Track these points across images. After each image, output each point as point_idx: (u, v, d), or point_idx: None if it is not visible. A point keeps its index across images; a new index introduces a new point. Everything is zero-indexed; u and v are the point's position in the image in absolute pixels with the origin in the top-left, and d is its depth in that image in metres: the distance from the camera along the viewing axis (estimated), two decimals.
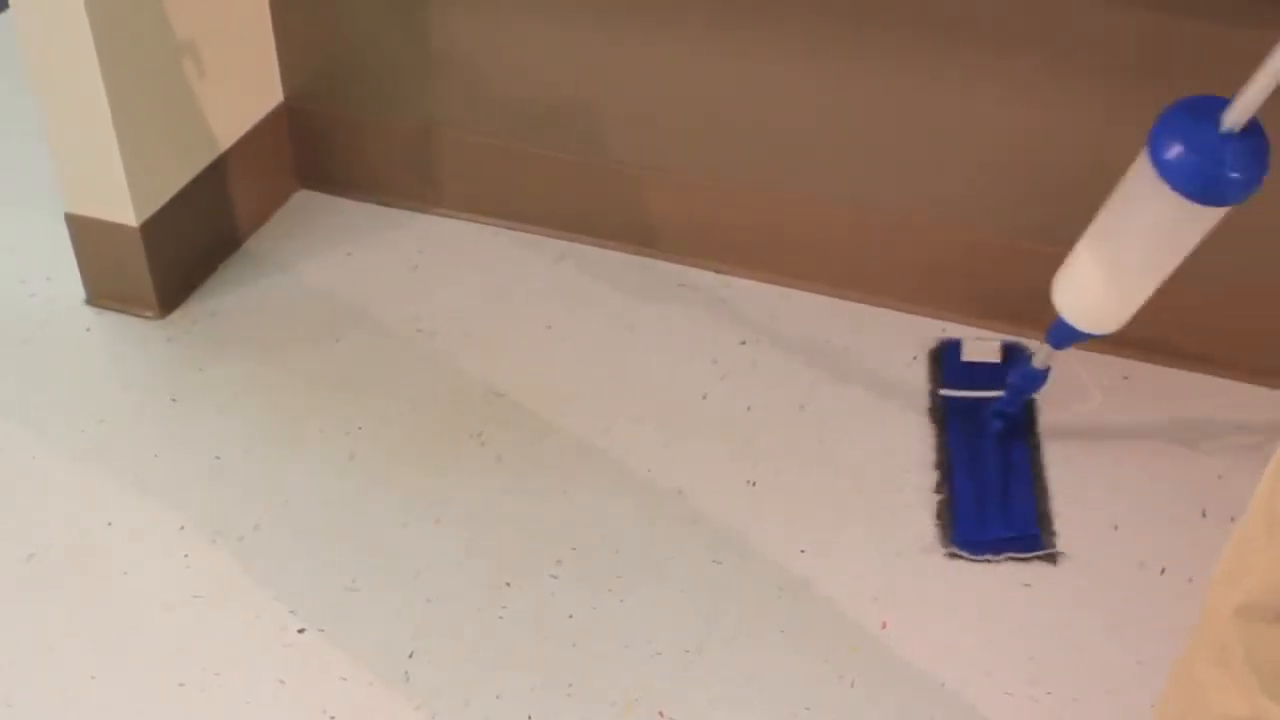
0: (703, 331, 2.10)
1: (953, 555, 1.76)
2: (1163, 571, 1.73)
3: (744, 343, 2.08)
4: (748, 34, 1.98)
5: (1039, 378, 1.85)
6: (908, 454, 1.90)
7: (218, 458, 1.87)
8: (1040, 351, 1.82)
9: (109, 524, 1.78)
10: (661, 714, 1.56)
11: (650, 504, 1.82)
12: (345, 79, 2.27)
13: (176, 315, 2.12)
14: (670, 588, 1.71)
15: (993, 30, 1.86)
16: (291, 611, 1.67)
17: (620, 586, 1.70)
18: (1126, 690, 1.59)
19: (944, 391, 1.99)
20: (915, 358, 2.05)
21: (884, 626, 1.67)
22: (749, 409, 1.97)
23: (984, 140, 1.95)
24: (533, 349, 2.07)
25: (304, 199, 2.38)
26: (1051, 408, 1.95)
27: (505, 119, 2.20)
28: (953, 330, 2.09)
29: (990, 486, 1.84)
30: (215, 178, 2.17)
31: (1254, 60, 1.42)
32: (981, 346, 2.05)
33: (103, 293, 2.13)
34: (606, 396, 1.98)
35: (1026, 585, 1.71)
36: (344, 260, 2.24)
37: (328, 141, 2.34)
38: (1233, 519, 1.27)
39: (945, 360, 2.04)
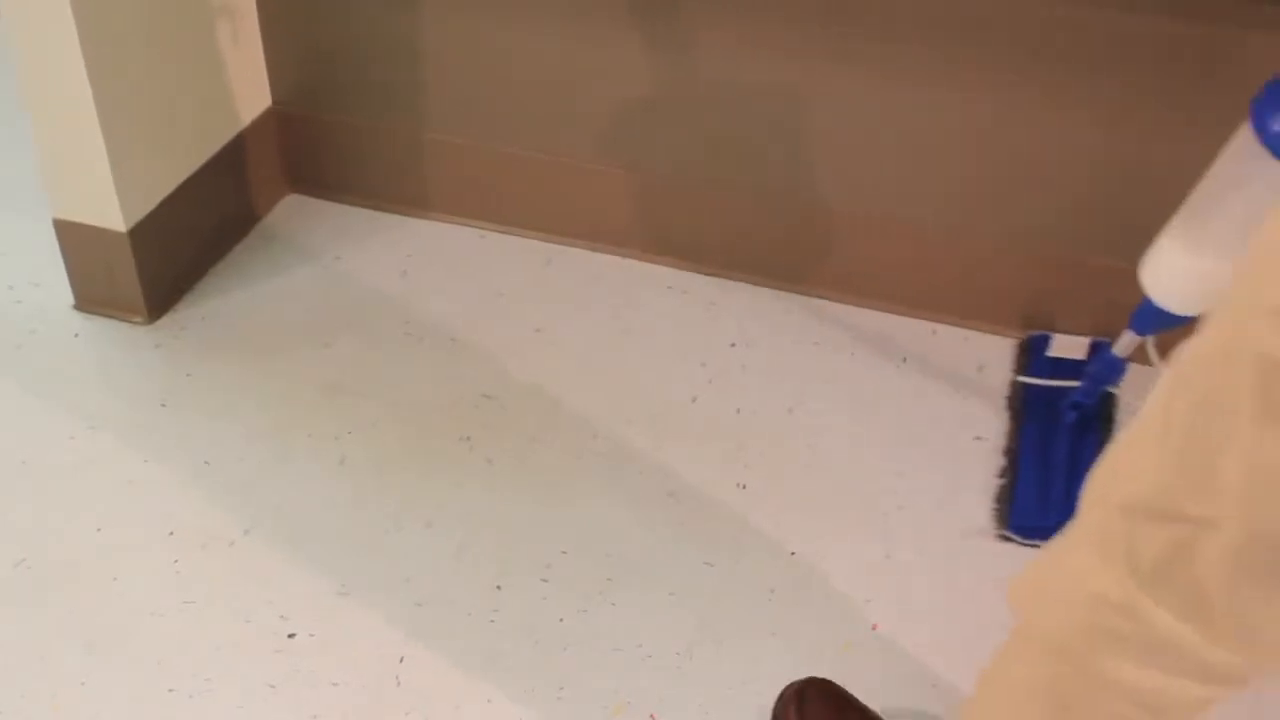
0: (692, 334, 2.10)
1: (1004, 538, 1.78)
2: None
3: (733, 345, 2.08)
4: (726, 35, 1.98)
5: (1118, 366, 1.85)
6: (895, 456, 1.90)
7: (207, 463, 1.87)
8: (1122, 338, 1.80)
9: (98, 530, 1.78)
10: (653, 717, 1.56)
11: (641, 507, 1.82)
12: (334, 82, 2.27)
13: (165, 320, 2.12)
14: (661, 591, 1.71)
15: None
16: (282, 617, 1.66)
17: (611, 590, 1.70)
18: None
19: (1023, 379, 2.01)
20: (905, 360, 2.05)
21: (874, 628, 1.67)
22: (738, 412, 1.97)
23: (986, 148, 1.96)
24: (522, 352, 2.07)
25: (294, 203, 2.38)
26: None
27: (494, 122, 2.20)
28: (943, 332, 2.09)
29: (1055, 475, 1.85)
30: (204, 182, 2.16)
31: None
32: (1070, 342, 2.04)
33: (91, 298, 2.12)
34: (596, 399, 1.98)
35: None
36: (333, 264, 2.24)
37: (317, 145, 2.34)
38: None
39: (1031, 352, 2.06)
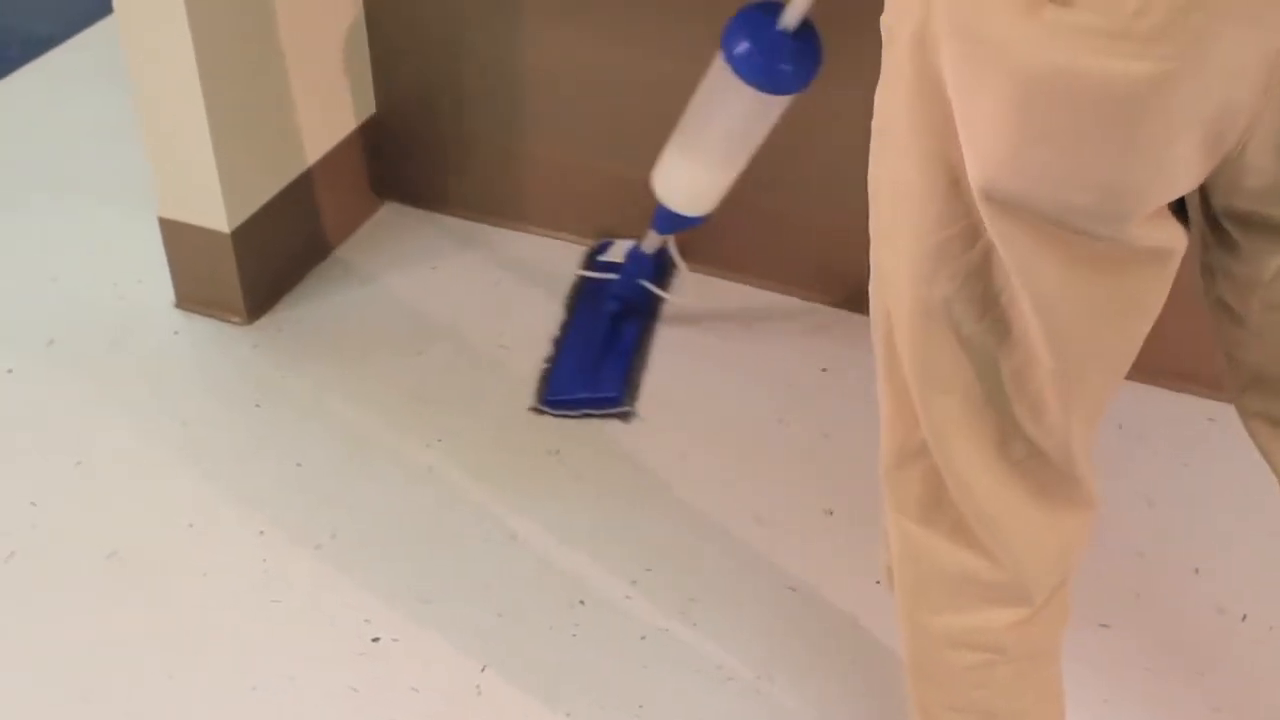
0: (783, 357, 2.10)
1: (537, 411, 1.98)
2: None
3: (824, 370, 2.07)
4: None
5: (645, 261, 2.09)
6: None
7: (299, 464, 1.89)
8: (647, 238, 2.04)
9: (190, 525, 1.80)
10: None
11: (726, 528, 1.81)
12: (436, 95, 2.29)
13: (263, 322, 2.14)
14: (743, 614, 1.70)
15: None
16: (366, 620, 1.68)
17: (694, 609, 1.70)
18: None
19: (579, 272, 2.22)
20: None
21: None
22: (827, 436, 1.96)
23: None
24: None
25: (391, 211, 2.40)
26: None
27: (590, 138, 2.21)
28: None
29: (587, 356, 2.05)
30: (306, 187, 2.19)
31: None
32: (623, 247, 2.20)
33: (192, 297, 2.15)
34: (685, 418, 1.98)
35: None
36: (428, 274, 2.26)
37: (417, 156, 2.36)
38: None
39: (592, 255, 2.26)
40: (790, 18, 1.68)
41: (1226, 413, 2.01)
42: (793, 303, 2.20)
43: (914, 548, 1.24)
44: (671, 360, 2.09)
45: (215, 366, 2.07)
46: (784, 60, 1.71)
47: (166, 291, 2.17)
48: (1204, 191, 0.97)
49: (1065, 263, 0.96)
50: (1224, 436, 1.97)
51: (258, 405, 1.99)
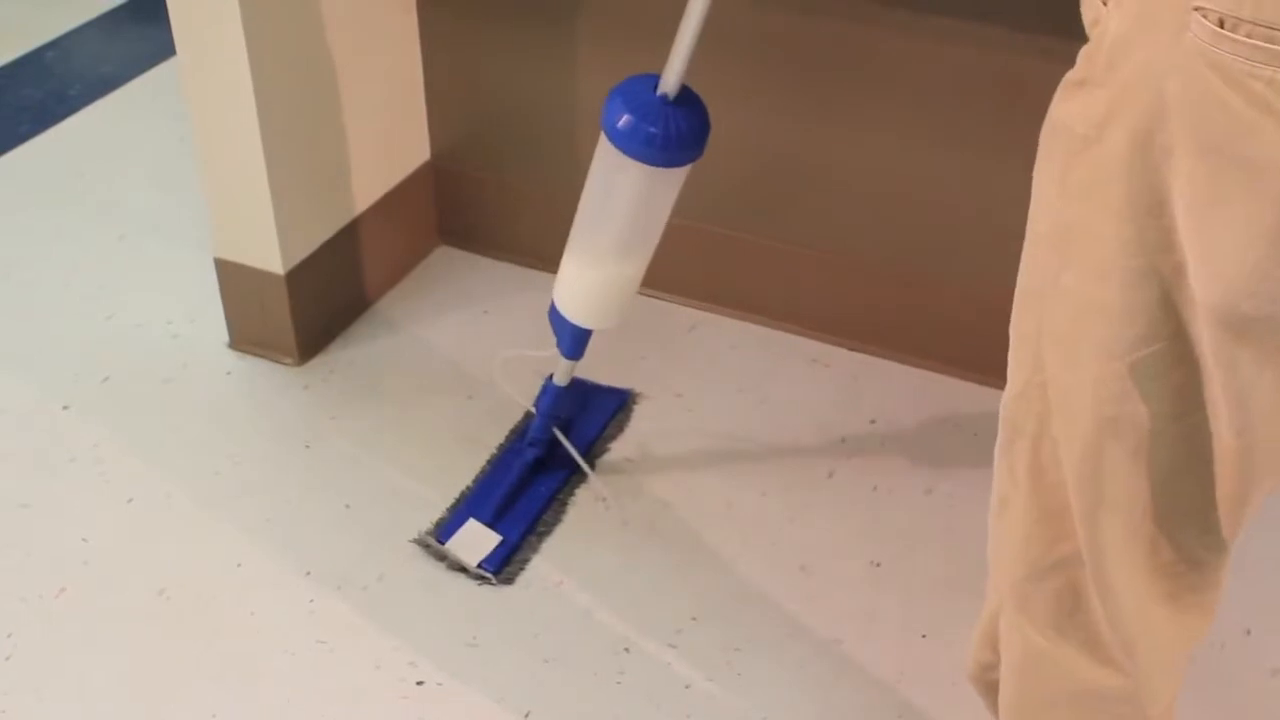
0: (832, 408, 2.09)
1: (420, 542, 1.83)
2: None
3: (873, 421, 2.07)
4: (866, 111, 1.98)
5: (561, 395, 1.88)
6: None
7: (347, 506, 1.90)
8: (559, 367, 1.84)
9: (238, 565, 1.81)
10: None
11: (772, 578, 1.81)
12: (491, 139, 2.31)
13: (315, 363, 2.16)
14: (789, 664, 1.69)
15: None
16: (411, 663, 1.68)
17: (739, 660, 1.70)
18: None
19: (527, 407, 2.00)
20: None
21: None
22: (875, 489, 1.95)
23: None
24: (661, 416, 2.07)
25: (444, 255, 2.42)
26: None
27: None
28: None
29: (488, 507, 1.86)
30: (360, 230, 2.21)
31: None
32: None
33: (245, 338, 2.17)
34: (733, 468, 1.98)
35: None
36: (480, 318, 2.27)
37: (470, 200, 2.38)
38: None
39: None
40: (669, 82, 1.56)
41: None
42: (840, 353, 2.19)
43: (1038, 659, 1.20)
44: (720, 410, 2.09)
45: (267, 407, 2.09)
46: (672, 127, 1.56)
47: (220, 332, 2.19)
48: None
49: None
50: (1273, 500, 1.95)
51: (308, 446, 2.00)
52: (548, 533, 1.86)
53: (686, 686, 1.66)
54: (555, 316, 1.78)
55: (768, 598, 1.78)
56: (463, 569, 1.80)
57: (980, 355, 2.12)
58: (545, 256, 2.36)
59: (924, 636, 1.74)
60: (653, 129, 1.55)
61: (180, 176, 2.53)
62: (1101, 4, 0.93)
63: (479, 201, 2.37)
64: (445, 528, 1.85)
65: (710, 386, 2.13)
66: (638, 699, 1.65)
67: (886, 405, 2.10)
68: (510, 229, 2.37)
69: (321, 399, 2.10)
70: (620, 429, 2.04)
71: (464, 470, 1.95)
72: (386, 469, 1.97)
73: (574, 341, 1.80)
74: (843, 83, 2.00)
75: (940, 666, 1.69)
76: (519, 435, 2.00)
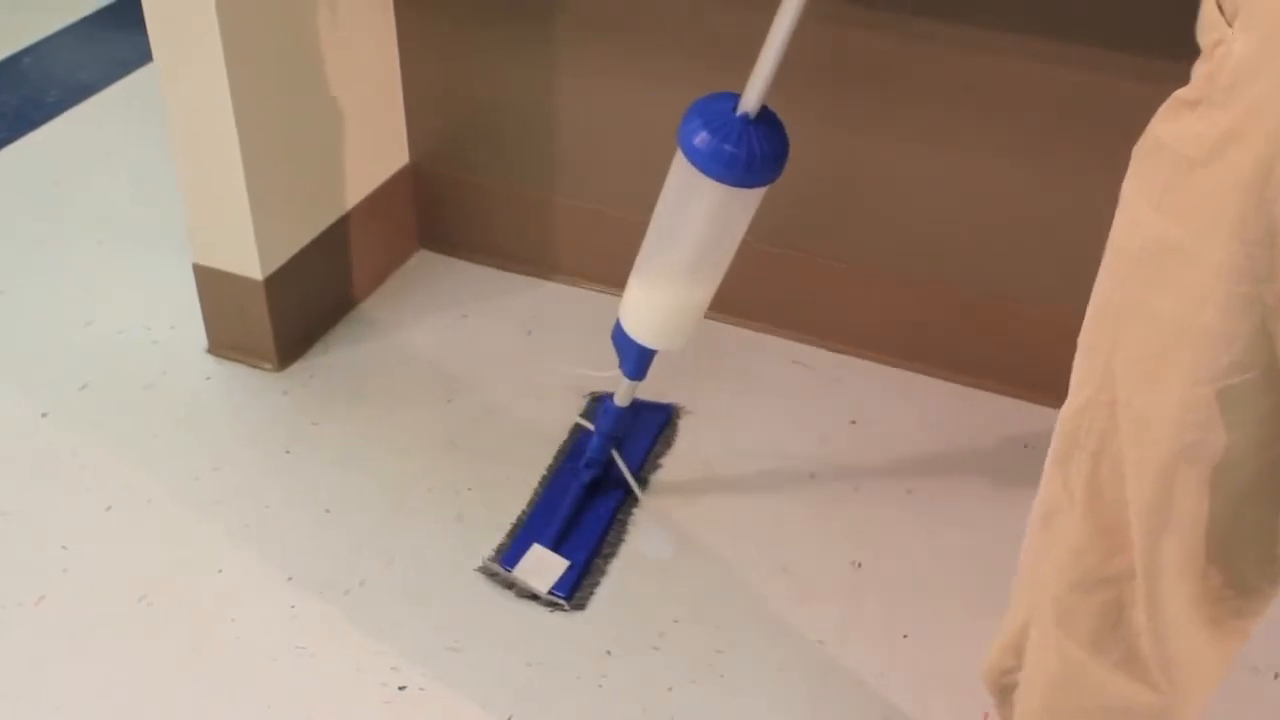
0: (813, 410, 2.10)
1: (485, 571, 1.80)
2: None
3: (854, 423, 2.07)
4: (860, 120, 1.99)
5: (622, 415, 1.86)
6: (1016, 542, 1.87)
7: (328, 511, 1.90)
8: (621, 387, 1.82)
9: (219, 571, 1.81)
10: None
11: (754, 580, 1.81)
12: (470, 144, 2.31)
13: (294, 368, 2.15)
14: (771, 665, 1.69)
15: None
16: (393, 668, 1.68)
17: (721, 662, 1.70)
18: None
19: (577, 419, 2.02)
20: (1026, 446, 2.03)
21: (984, 718, 1.64)
22: (856, 490, 1.95)
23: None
24: None
25: (423, 259, 2.41)
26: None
27: (623, 190, 2.21)
28: None
29: (550, 531, 1.84)
30: (339, 235, 2.21)
31: None
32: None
33: (224, 343, 2.17)
34: (713, 469, 1.98)
35: None
36: (459, 322, 2.27)
37: (450, 204, 2.38)
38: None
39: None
40: (749, 101, 1.55)
41: None
42: (821, 354, 2.20)
43: (1073, 671, 1.19)
44: (700, 412, 2.09)
45: (247, 412, 2.08)
46: (752, 148, 1.55)
47: (199, 337, 2.18)
48: None
49: None
50: None
51: (288, 451, 2.00)
52: (613, 554, 1.84)
53: (669, 689, 1.66)
54: (620, 337, 1.76)
55: (750, 599, 1.78)
56: (533, 595, 1.77)
57: (961, 356, 2.13)
58: (525, 260, 2.37)
59: (905, 636, 1.74)
60: (733, 149, 1.54)
61: (159, 182, 2.52)
62: (1227, 25, 0.91)
63: (458, 205, 2.37)
64: (508, 554, 1.81)
65: (693, 389, 2.13)
66: (622, 702, 1.65)
67: (867, 406, 2.10)
68: (490, 232, 2.37)
69: (301, 404, 2.09)
70: (668, 445, 2.03)
71: (446, 474, 1.95)
72: (367, 473, 1.96)
73: (639, 362, 1.78)
74: (877, 96, 2.01)
75: (922, 666, 1.70)
76: (568, 455, 1.98)
